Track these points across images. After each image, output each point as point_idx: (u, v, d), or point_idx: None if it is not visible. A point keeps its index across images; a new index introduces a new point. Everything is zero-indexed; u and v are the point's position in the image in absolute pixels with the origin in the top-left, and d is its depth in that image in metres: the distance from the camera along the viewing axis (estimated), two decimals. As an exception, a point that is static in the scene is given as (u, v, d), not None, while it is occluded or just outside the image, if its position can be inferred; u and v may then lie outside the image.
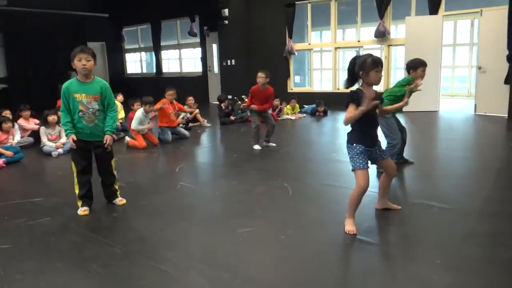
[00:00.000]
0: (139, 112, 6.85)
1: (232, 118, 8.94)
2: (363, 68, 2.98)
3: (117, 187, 3.99)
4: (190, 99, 8.82)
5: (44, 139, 6.49)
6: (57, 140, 6.53)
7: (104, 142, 3.71)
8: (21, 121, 7.23)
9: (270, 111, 6.69)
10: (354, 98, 2.99)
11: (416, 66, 4.62)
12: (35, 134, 7.00)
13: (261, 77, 6.08)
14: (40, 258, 2.93)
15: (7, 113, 6.95)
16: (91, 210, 3.79)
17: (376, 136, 3.22)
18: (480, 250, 2.84)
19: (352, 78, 3.09)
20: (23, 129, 7.17)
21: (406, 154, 5.09)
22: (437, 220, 3.36)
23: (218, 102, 9.24)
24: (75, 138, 3.61)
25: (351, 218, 3.14)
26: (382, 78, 3.12)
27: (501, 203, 3.70)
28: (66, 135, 3.70)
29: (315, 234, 3.19)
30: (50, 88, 10.75)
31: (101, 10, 14.15)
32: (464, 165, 5.15)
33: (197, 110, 8.81)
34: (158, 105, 7.07)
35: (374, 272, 2.64)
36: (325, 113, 9.65)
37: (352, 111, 2.99)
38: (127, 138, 6.89)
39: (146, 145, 6.64)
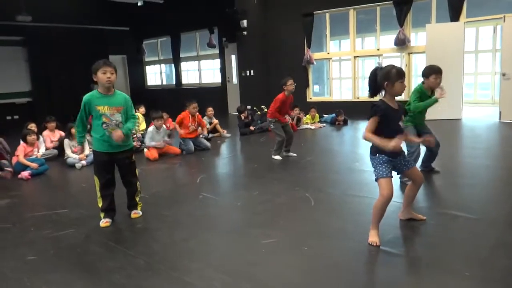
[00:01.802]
0: (150, 128, 6.93)
1: (251, 128, 8.96)
2: (388, 78, 2.97)
3: (138, 199, 4.02)
4: (210, 110, 8.87)
5: (68, 151, 6.60)
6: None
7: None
8: (45, 133, 7.39)
9: (289, 121, 6.68)
10: (378, 111, 2.97)
11: (427, 74, 4.39)
12: (59, 146, 7.14)
13: (293, 84, 6.13)
14: (65, 269, 2.97)
15: (32, 126, 7.09)
16: (115, 221, 3.84)
17: (400, 146, 3.18)
18: (509, 260, 2.76)
19: (374, 90, 3.07)
20: (50, 142, 7.32)
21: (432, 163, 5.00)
22: (463, 231, 3.28)
23: (237, 113, 9.28)
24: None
25: (375, 230, 3.09)
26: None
27: (531, 213, 3.60)
28: (80, 143, 3.92)
29: (338, 245, 3.15)
30: (73, 101, 10.96)
31: (122, 24, 14.45)
32: (489, 174, 5.03)
33: (217, 121, 8.86)
34: (177, 125, 7.26)
35: (399, 284, 2.59)
36: (345, 122, 9.57)
37: (373, 124, 2.98)
38: (145, 150, 6.96)
39: (158, 158, 6.67)
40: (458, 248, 2.98)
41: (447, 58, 8.73)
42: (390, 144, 2.90)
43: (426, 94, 4.51)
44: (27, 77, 13.23)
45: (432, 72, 4.37)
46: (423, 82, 4.55)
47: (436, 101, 4.33)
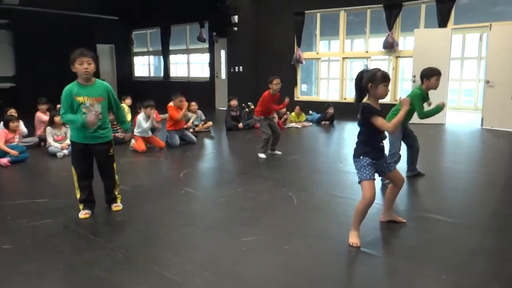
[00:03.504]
0: (140, 117, 6.87)
1: (240, 126, 8.88)
2: (373, 81, 2.98)
3: (117, 193, 3.95)
4: (193, 105, 8.77)
5: (50, 139, 6.49)
6: (62, 141, 6.53)
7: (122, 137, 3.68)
8: (39, 114, 7.40)
9: (276, 119, 6.67)
10: (373, 111, 3.00)
11: (429, 75, 4.50)
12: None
13: (280, 83, 6.11)
14: (42, 260, 2.92)
15: (12, 112, 6.93)
16: (94, 213, 3.78)
17: (383, 148, 3.21)
18: (486, 265, 2.80)
19: (360, 93, 3.08)
20: (40, 122, 7.29)
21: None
22: (442, 234, 3.32)
23: (227, 101, 9.19)
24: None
25: (356, 231, 3.11)
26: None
27: (507, 218, 3.67)
28: (82, 119, 3.54)
29: (319, 244, 3.16)
30: (58, 89, 10.78)
31: (111, 13, 14.22)
32: (470, 179, 5.11)
33: (196, 116, 8.75)
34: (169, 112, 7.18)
35: (377, 285, 2.61)
36: (331, 122, 9.60)
37: (382, 121, 3.01)
38: (133, 141, 6.88)
39: (146, 149, 6.61)
40: (436, 251, 3.01)
41: (433, 63, 8.63)
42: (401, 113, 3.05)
43: (425, 97, 4.58)
44: (12, 62, 12.94)
45: (435, 73, 4.50)
46: (421, 85, 4.59)
47: (441, 109, 4.47)
